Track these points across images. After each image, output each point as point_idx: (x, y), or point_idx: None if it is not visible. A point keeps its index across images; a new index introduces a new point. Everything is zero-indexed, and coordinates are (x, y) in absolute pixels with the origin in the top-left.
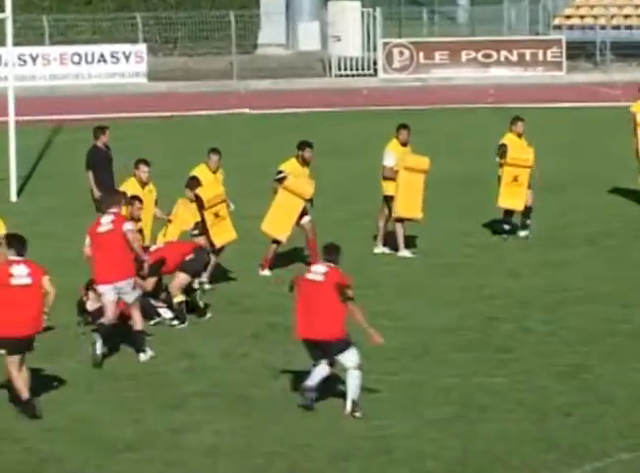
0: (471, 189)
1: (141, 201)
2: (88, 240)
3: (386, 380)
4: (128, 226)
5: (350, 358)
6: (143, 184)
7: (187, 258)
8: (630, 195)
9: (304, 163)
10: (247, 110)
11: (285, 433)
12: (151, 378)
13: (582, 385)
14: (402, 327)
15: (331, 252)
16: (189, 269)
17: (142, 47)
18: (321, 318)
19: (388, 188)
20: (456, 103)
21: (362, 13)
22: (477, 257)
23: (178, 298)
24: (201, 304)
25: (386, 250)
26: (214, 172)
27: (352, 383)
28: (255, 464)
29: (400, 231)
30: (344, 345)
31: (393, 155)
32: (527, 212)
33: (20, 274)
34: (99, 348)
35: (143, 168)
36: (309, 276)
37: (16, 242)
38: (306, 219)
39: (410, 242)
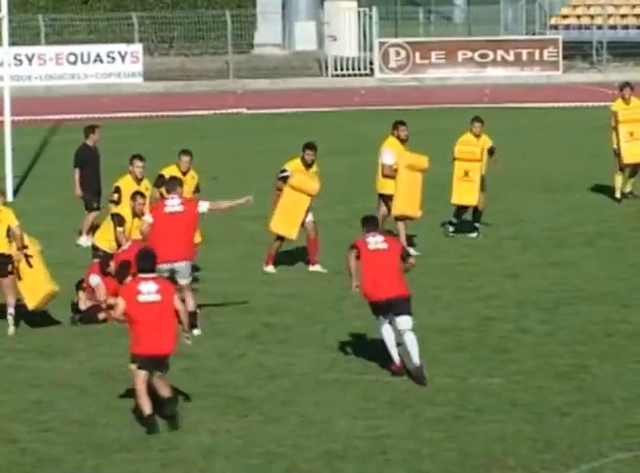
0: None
1: (143, 196)
2: (148, 221)
3: (382, 381)
4: (202, 208)
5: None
6: (138, 180)
7: None
8: (628, 195)
9: (306, 164)
10: (244, 110)
11: (282, 433)
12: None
13: (580, 386)
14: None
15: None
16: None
17: (138, 47)
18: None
19: (385, 186)
20: (452, 103)
21: (359, 13)
22: (473, 257)
23: None
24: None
25: None
26: (184, 174)
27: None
28: (252, 465)
29: (402, 229)
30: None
31: (391, 152)
32: (477, 215)
33: (149, 291)
34: None
35: (137, 163)
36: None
37: (145, 260)
38: (309, 218)
39: (409, 241)
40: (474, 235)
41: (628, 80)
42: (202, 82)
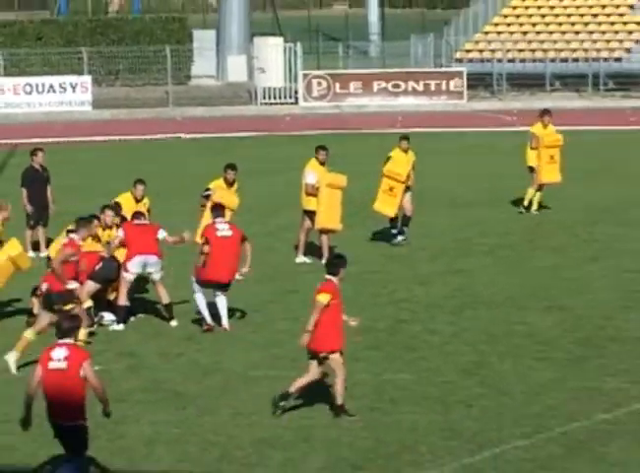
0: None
1: (111, 209)
2: (120, 237)
3: None
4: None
5: None
6: (137, 200)
7: (97, 267)
8: (523, 212)
9: (228, 183)
10: (182, 135)
11: (216, 424)
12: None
13: (482, 381)
14: None
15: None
16: (97, 277)
17: (87, 79)
18: None
19: (309, 203)
20: (369, 129)
21: (284, 47)
22: (388, 266)
23: (87, 303)
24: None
25: (307, 260)
26: (137, 201)
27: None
28: (189, 452)
29: (325, 241)
30: None
31: (313, 173)
32: (406, 221)
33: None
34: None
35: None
36: None
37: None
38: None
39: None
40: (401, 238)
41: (526, 107)
42: (145, 110)
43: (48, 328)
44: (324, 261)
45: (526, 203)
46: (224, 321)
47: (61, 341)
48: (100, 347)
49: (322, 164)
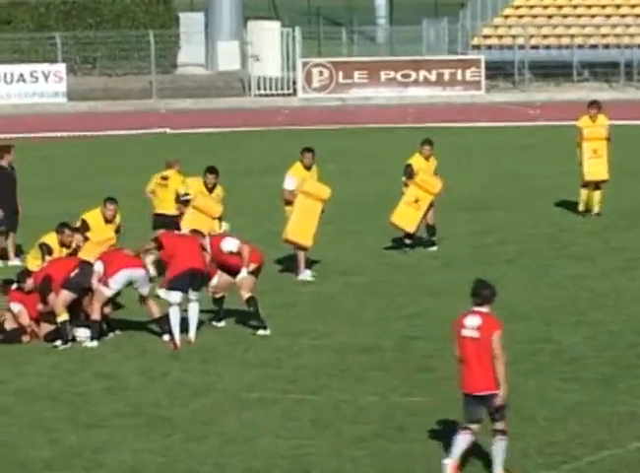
0: (389, 209)
1: (70, 229)
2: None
3: (306, 400)
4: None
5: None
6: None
7: (72, 274)
8: (548, 216)
9: (207, 188)
10: (167, 130)
11: (204, 452)
12: (70, 398)
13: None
14: (320, 346)
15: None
16: (73, 286)
17: (61, 67)
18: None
19: (287, 212)
20: (375, 123)
21: (282, 32)
22: (396, 276)
23: (62, 316)
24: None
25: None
26: (107, 222)
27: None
28: None
29: (301, 253)
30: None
31: (294, 178)
32: (432, 231)
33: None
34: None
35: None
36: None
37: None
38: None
39: (330, 263)
40: (434, 248)
41: (550, 99)
42: (125, 101)
43: None
44: (299, 277)
45: (581, 207)
46: (192, 332)
47: (476, 309)
48: (75, 366)
49: (307, 168)
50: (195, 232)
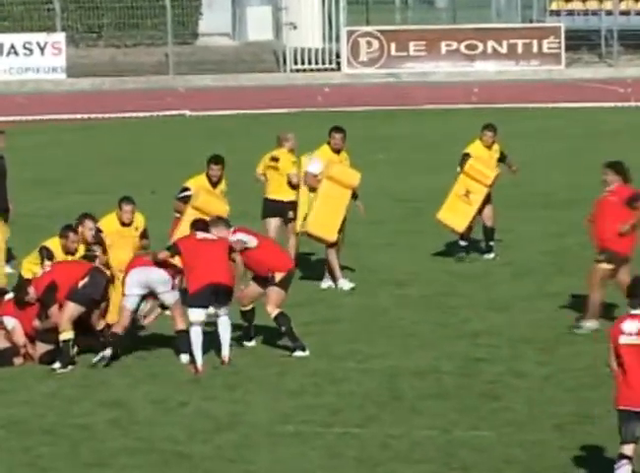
0: None
1: (75, 233)
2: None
3: (351, 433)
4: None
5: None
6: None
7: (80, 283)
8: None
9: (211, 181)
10: (187, 112)
11: None
12: (70, 432)
13: (585, 440)
14: (368, 370)
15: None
16: (81, 297)
17: (60, 37)
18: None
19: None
20: (434, 104)
21: None
22: (458, 287)
23: (66, 334)
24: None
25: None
26: (124, 226)
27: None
28: None
29: (333, 256)
30: None
31: (320, 162)
32: (490, 233)
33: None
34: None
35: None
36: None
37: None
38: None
39: (380, 270)
40: (490, 255)
41: None
42: (136, 78)
43: None
44: (341, 285)
45: None
46: (225, 351)
47: (634, 312)
48: (76, 394)
49: (336, 151)
50: (220, 223)
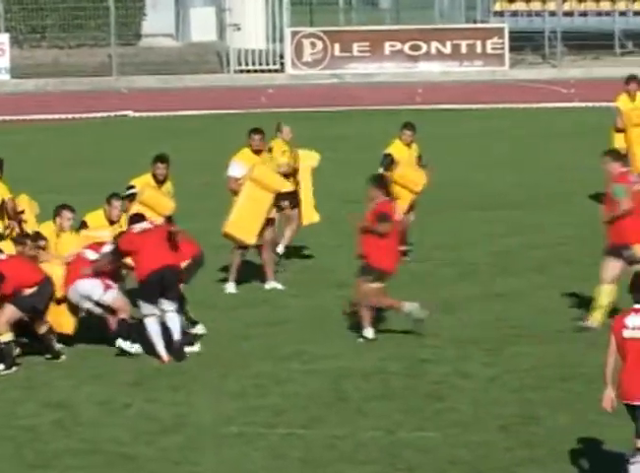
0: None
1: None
2: None
3: (296, 434)
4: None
5: None
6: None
7: (28, 292)
8: (585, 215)
9: (157, 180)
10: (130, 113)
11: None
12: (14, 433)
13: (529, 440)
14: (313, 371)
15: None
16: (24, 304)
17: (4, 38)
18: None
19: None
20: (377, 105)
21: None
22: (404, 288)
23: (5, 336)
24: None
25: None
26: (112, 224)
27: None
28: None
29: (267, 256)
30: None
31: (240, 165)
32: (405, 237)
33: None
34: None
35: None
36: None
37: None
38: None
39: (326, 272)
40: (406, 258)
41: (587, 76)
42: (80, 79)
43: None
44: (227, 289)
45: None
46: (177, 335)
47: (637, 306)
48: (21, 395)
49: (256, 152)
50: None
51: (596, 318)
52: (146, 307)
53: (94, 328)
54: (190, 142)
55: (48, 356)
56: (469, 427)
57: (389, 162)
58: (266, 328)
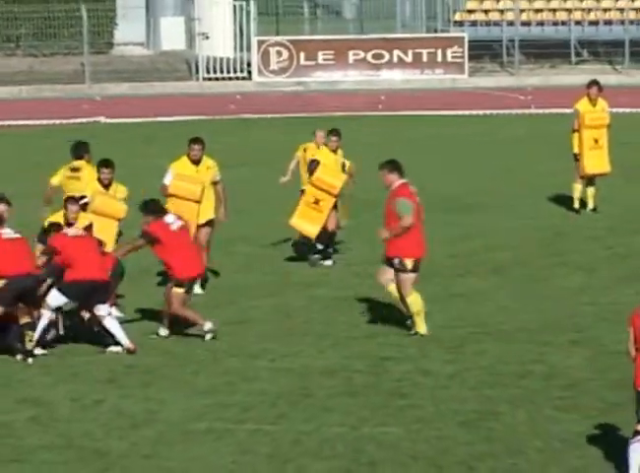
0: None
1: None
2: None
3: (263, 430)
4: None
5: None
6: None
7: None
8: (542, 217)
9: (103, 184)
10: (102, 119)
11: None
12: None
13: (488, 435)
14: (280, 369)
15: None
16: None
17: None
18: None
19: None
20: (341, 111)
21: (234, 7)
22: (366, 289)
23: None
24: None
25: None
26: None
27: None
28: None
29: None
30: None
31: (172, 173)
32: (331, 237)
33: None
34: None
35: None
36: None
37: None
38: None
39: (291, 273)
40: (329, 262)
41: (543, 84)
42: (53, 86)
43: None
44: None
45: (576, 204)
46: (124, 340)
47: None
48: None
49: (194, 162)
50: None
51: (420, 327)
52: (55, 299)
53: (72, 328)
54: (160, 147)
55: (19, 356)
56: (430, 423)
57: (315, 167)
58: (234, 327)
